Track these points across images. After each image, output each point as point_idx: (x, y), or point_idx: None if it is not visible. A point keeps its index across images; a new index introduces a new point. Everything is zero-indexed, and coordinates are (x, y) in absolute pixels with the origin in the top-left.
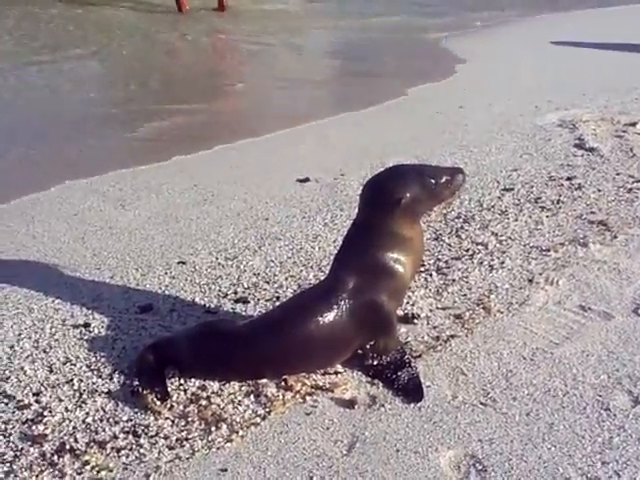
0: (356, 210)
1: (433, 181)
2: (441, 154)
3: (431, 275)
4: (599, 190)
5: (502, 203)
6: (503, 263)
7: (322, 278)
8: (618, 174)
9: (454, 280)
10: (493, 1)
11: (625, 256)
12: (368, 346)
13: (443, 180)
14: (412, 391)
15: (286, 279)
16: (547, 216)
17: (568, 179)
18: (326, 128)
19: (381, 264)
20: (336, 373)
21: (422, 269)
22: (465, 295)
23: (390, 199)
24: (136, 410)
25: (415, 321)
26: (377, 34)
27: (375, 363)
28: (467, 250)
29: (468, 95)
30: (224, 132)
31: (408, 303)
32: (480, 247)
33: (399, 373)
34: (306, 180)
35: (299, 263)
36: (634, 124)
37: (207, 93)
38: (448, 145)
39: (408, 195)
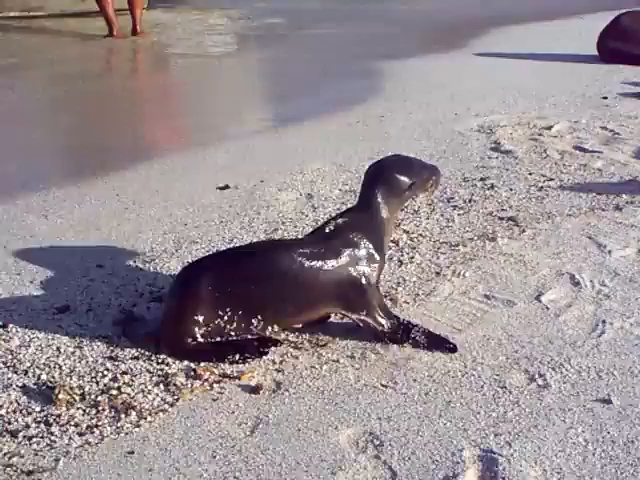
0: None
1: (425, 175)
2: (359, 160)
3: None
4: (511, 189)
5: (415, 203)
6: (412, 258)
7: None
8: (530, 174)
9: None
10: None
11: (532, 249)
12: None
13: (429, 174)
14: (443, 345)
15: None
16: (459, 214)
17: (482, 179)
18: (248, 137)
19: (377, 240)
20: (244, 361)
21: None
22: None
23: (401, 184)
24: (49, 403)
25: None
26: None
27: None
28: None
29: (390, 105)
30: (144, 144)
31: None
32: (391, 244)
33: (414, 335)
34: (226, 187)
35: None
36: (550, 127)
37: (128, 106)
38: (367, 152)
39: (414, 182)
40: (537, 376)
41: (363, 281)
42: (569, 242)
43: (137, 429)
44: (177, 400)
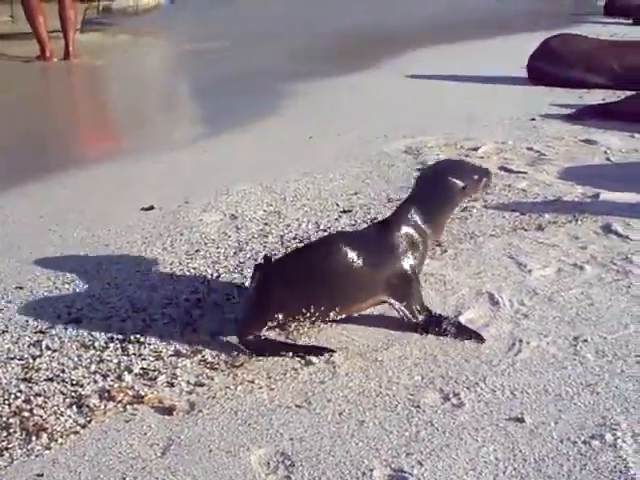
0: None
1: (476, 177)
2: (285, 180)
3: None
4: None
5: (339, 224)
6: None
7: (157, 299)
8: None
9: None
10: None
11: (453, 268)
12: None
13: (478, 178)
14: (471, 334)
15: (120, 299)
16: None
17: None
18: (177, 155)
19: (426, 238)
20: (154, 380)
21: None
22: None
23: (455, 186)
24: None
25: None
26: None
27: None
28: None
29: (319, 125)
30: (69, 162)
31: None
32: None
33: (445, 326)
34: (150, 208)
35: (134, 284)
36: (476, 149)
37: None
38: (293, 173)
39: (468, 185)
40: (451, 395)
41: (410, 274)
42: (490, 262)
43: (47, 451)
44: (90, 422)
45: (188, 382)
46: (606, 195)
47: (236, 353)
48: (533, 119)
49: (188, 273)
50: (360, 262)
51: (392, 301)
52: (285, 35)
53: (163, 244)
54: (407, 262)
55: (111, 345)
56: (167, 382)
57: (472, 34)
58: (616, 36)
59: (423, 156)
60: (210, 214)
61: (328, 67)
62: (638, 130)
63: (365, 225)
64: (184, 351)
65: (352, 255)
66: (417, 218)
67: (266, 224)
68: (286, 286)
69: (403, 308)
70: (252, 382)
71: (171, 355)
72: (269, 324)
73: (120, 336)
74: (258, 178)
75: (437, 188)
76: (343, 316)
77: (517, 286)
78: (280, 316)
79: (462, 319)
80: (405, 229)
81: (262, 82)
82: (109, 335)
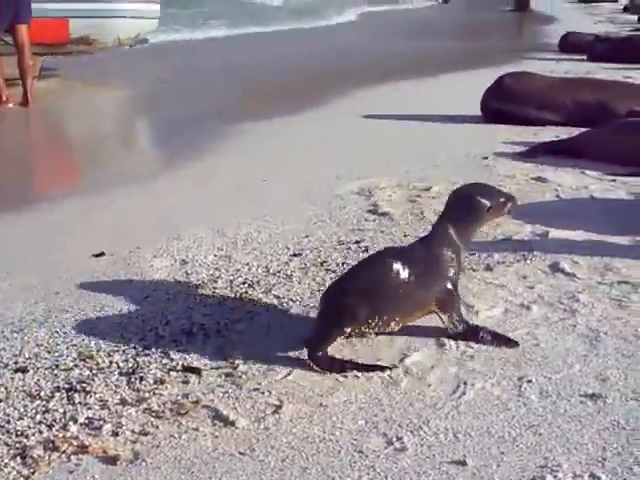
0: None
1: (502, 199)
2: (237, 224)
3: (209, 337)
4: None
5: (288, 268)
6: (282, 324)
7: (105, 347)
8: (406, 236)
9: (231, 341)
10: None
11: None
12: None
13: (504, 200)
14: (505, 341)
15: (67, 348)
16: (331, 278)
17: (356, 242)
18: (127, 197)
19: (460, 253)
20: (99, 429)
21: (202, 332)
22: (242, 354)
23: (482, 206)
24: None
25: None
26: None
27: (457, 332)
28: (248, 312)
29: (273, 168)
30: (21, 204)
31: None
32: (261, 309)
33: (482, 335)
34: (101, 255)
35: (82, 332)
36: (429, 189)
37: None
38: (245, 216)
39: (493, 205)
40: (395, 439)
41: (452, 287)
42: None
43: None
44: (33, 473)
45: (133, 431)
46: (555, 233)
47: (182, 401)
48: (486, 157)
49: (137, 320)
50: (414, 277)
51: (438, 312)
52: (239, 76)
53: (113, 291)
54: (450, 276)
55: (57, 394)
56: (112, 431)
57: (427, 71)
58: (570, 73)
59: (375, 197)
60: (161, 260)
61: (280, 107)
62: (589, 167)
63: (319, 265)
64: (130, 399)
65: (408, 271)
66: (453, 235)
67: (216, 269)
68: (354, 302)
69: (447, 319)
70: (196, 430)
71: (117, 404)
72: (337, 339)
73: (67, 385)
74: (210, 222)
75: (466, 207)
76: (401, 326)
77: None
78: (348, 330)
79: (407, 362)
80: (445, 245)
81: (214, 123)
82: (55, 384)
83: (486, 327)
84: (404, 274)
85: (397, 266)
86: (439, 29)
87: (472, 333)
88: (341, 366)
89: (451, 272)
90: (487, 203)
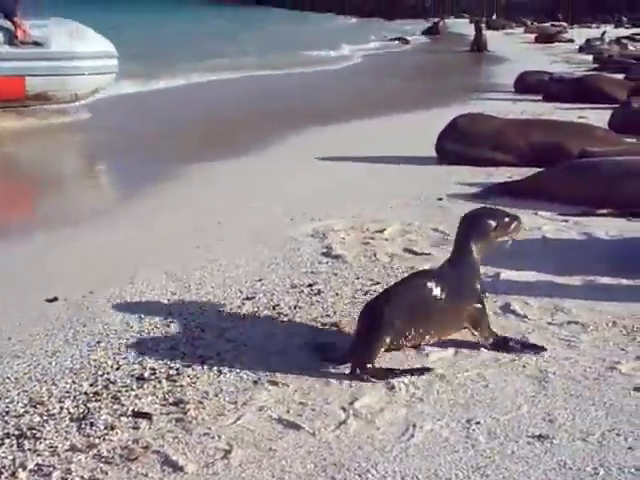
0: None
1: (507, 220)
2: (191, 268)
3: (160, 382)
4: (337, 294)
5: (241, 311)
6: (232, 367)
7: (56, 392)
8: (358, 278)
9: (182, 386)
10: None
11: None
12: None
13: (509, 220)
14: (533, 348)
15: (18, 394)
16: (282, 321)
17: (309, 285)
18: (79, 242)
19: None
20: (48, 475)
21: (153, 377)
22: (193, 398)
23: (488, 228)
24: None
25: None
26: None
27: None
28: (200, 357)
29: (226, 210)
30: None
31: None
32: (213, 354)
33: (511, 344)
34: (54, 299)
35: (34, 378)
36: (382, 230)
37: None
38: (199, 260)
39: (499, 225)
40: None
41: (480, 303)
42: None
43: None
44: None
45: (82, 477)
46: (507, 274)
47: (132, 447)
48: (440, 199)
49: (88, 365)
50: (447, 295)
51: (470, 328)
52: (192, 120)
53: (65, 336)
54: (477, 292)
55: (7, 441)
56: (61, 477)
57: (382, 111)
58: (526, 113)
59: (329, 240)
60: (114, 304)
61: (237, 149)
62: (542, 207)
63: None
64: (80, 445)
65: (442, 290)
66: (474, 253)
67: (169, 313)
68: (394, 315)
69: (478, 333)
70: (146, 475)
71: (67, 450)
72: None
73: (17, 431)
74: (164, 265)
75: (476, 227)
76: (436, 339)
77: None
78: (388, 342)
79: (357, 405)
80: (470, 264)
81: (166, 166)
82: (5, 431)
83: (514, 337)
84: (436, 291)
85: (431, 284)
86: (397, 69)
87: (503, 344)
88: (389, 374)
89: (477, 287)
90: (493, 222)
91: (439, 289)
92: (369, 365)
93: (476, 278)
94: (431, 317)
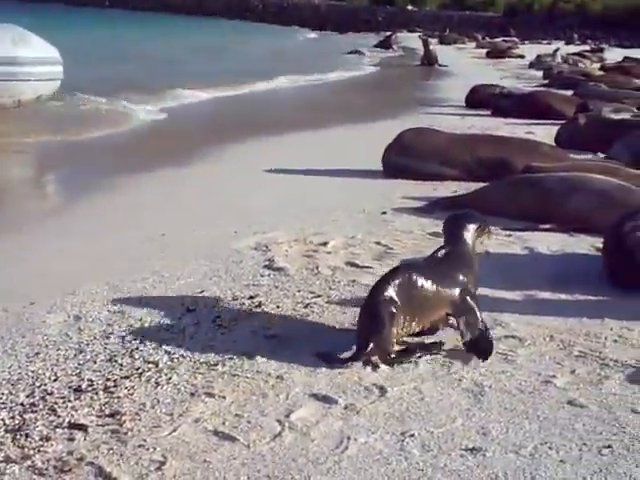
0: None
1: (484, 223)
2: (133, 279)
3: (97, 394)
4: (278, 307)
5: (182, 323)
6: (170, 379)
7: None
8: (299, 291)
9: (119, 397)
10: None
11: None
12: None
13: (485, 225)
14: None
15: None
16: (222, 333)
17: (250, 298)
18: (20, 252)
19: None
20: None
21: (90, 389)
22: (129, 410)
23: (470, 228)
24: None
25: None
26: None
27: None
28: (137, 369)
29: (170, 222)
30: None
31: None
32: (151, 365)
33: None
34: None
35: None
36: (325, 244)
37: None
38: (140, 271)
39: (480, 226)
40: None
41: (464, 294)
42: None
43: None
44: None
45: None
46: None
47: (66, 458)
48: (384, 212)
49: (26, 376)
50: (433, 285)
51: (453, 316)
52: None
53: (4, 347)
54: (464, 283)
55: None
56: None
57: (329, 124)
58: (474, 128)
59: (272, 252)
60: (54, 315)
61: (182, 161)
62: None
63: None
64: (14, 456)
65: (429, 280)
66: (468, 244)
67: (109, 324)
68: (394, 308)
69: (461, 323)
70: None
71: (0, 461)
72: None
73: None
74: (105, 276)
75: (459, 228)
76: (424, 327)
77: (351, 383)
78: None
79: (293, 417)
80: (462, 253)
81: (109, 176)
82: None
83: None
84: (421, 281)
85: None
86: (347, 81)
87: (485, 341)
88: (406, 356)
89: (463, 280)
90: (474, 225)
91: (427, 282)
92: (392, 355)
93: (466, 268)
94: (419, 305)
